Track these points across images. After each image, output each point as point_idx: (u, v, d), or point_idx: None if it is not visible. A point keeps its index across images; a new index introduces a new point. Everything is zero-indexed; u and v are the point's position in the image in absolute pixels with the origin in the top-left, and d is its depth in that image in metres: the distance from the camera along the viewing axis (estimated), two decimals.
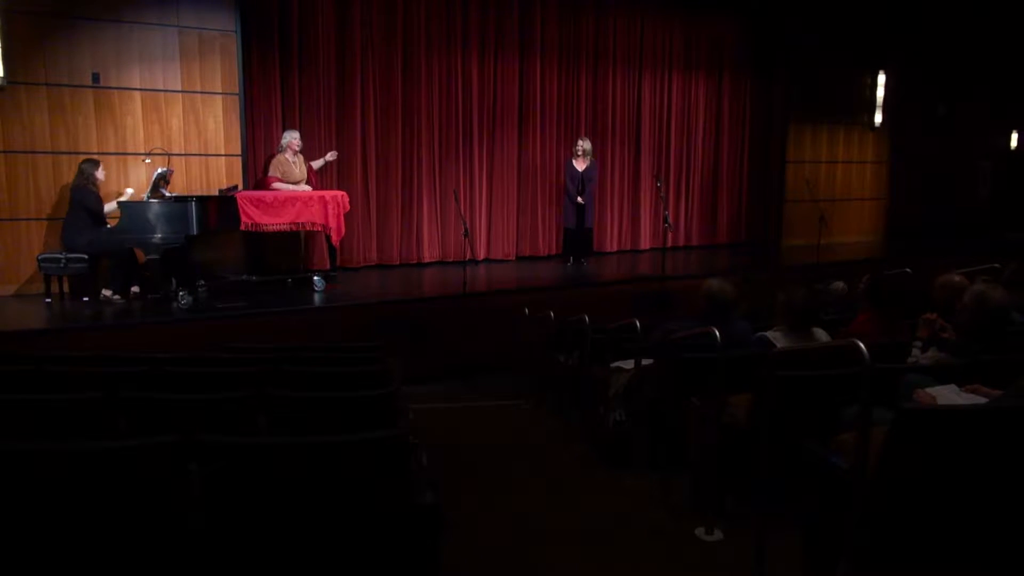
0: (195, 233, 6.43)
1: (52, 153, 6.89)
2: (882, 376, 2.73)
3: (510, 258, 9.70)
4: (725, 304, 3.94)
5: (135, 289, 6.77)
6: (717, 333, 3.32)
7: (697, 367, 3.63)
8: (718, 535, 3.19)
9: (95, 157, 6.83)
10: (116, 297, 6.64)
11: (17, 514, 2.01)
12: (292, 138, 7.61)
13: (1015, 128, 13.26)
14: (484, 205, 9.56)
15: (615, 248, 10.50)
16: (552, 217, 9.96)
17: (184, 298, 6.39)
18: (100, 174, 6.72)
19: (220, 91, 7.56)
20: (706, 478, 3.43)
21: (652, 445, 3.97)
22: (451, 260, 9.14)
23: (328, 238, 7.45)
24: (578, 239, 9.24)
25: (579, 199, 9.01)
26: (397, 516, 2.23)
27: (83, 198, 6.56)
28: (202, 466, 2.08)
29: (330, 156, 7.82)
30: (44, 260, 6.51)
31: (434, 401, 5.85)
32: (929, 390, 2.77)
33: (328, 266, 7.76)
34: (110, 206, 6.75)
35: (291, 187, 7.44)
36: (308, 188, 7.56)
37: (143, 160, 7.21)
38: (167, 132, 7.36)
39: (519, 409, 6.03)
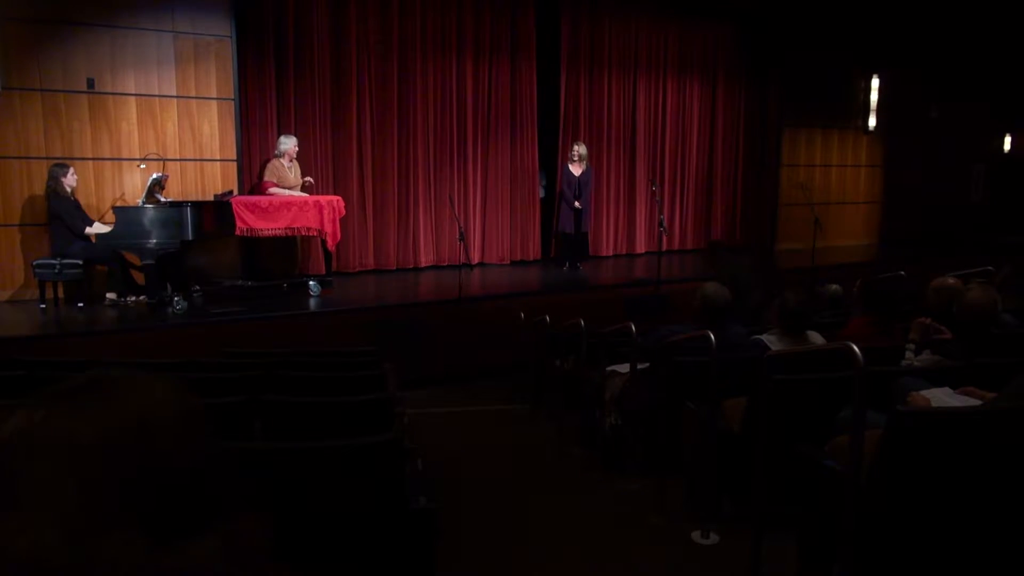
0: (190, 238, 6.41)
1: (47, 159, 6.86)
2: (876, 379, 2.74)
3: (505, 262, 9.71)
4: (720, 308, 3.95)
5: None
6: (712, 337, 3.33)
7: (692, 371, 3.63)
8: (714, 538, 3.20)
9: (66, 161, 6.72)
10: (131, 300, 6.61)
11: None
12: (290, 145, 7.60)
13: (1009, 131, 13.33)
14: (479, 209, 9.56)
15: (611, 252, 10.51)
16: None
17: (179, 303, 6.38)
18: (71, 178, 6.57)
19: (215, 96, 7.56)
20: (702, 481, 3.43)
21: (648, 449, 3.97)
22: (446, 264, 9.14)
23: (324, 243, 7.44)
24: (574, 243, 9.25)
25: (576, 204, 9.03)
26: (392, 521, 2.23)
27: (52, 206, 6.51)
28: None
29: (306, 181, 7.78)
30: (39, 266, 6.48)
31: (431, 405, 5.84)
32: (923, 392, 2.78)
33: (324, 271, 7.75)
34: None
35: (287, 192, 7.44)
36: (304, 193, 7.57)
37: (138, 165, 7.20)
38: (162, 137, 7.35)
39: (516, 413, 6.03)
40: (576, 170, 9.10)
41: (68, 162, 6.74)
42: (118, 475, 0.70)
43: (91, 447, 0.70)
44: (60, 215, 6.47)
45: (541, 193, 10.08)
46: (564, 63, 9.88)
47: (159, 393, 0.76)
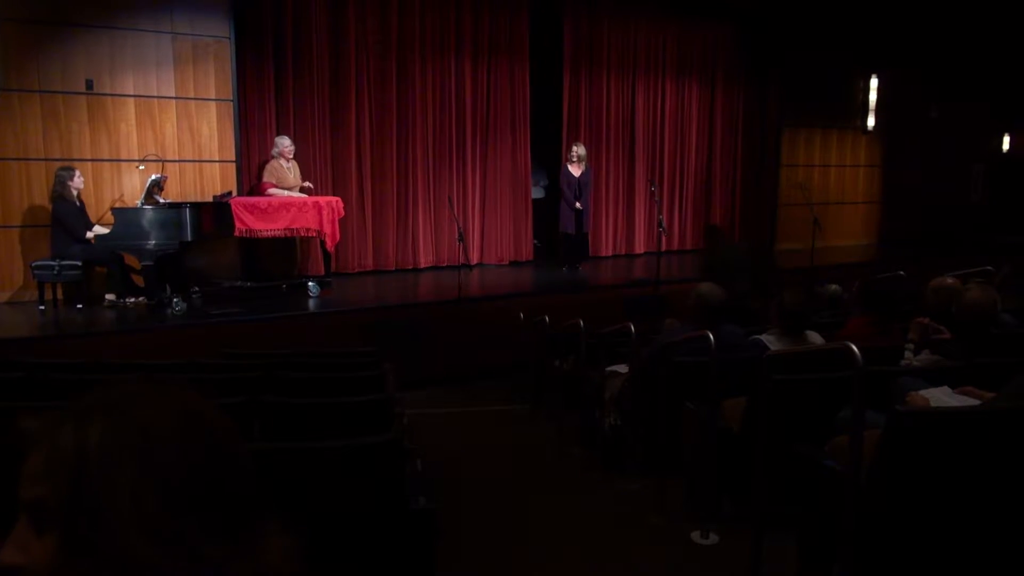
0: (189, 239, 6.41)
1: (46, 160, 6.87)
2: (875, 379, 2.74)
3: (503, 263, 9.70)
4: (715, 308, 3.95)
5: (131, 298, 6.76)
6: (712, 337, 3.33)
7: (691, 371, 3.63)
8: (714, 539, 3.20)
9: (71, 164, 6.71)
10: (130, 301, 6.62)
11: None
12: (284, 144, 7.60)
13: (1007, 131, 13.33)
14: (478, 210, 9.55)
15: (610, 252, 10.51)
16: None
17: (178, 304, 6.37)
18: (77, 181, 6.58)
19: (214, 97, 7.56)
20: (702, 482, 3.43)
21: (648, 449, 3.97)
22: (446, 265, 9.13)
23: (323, 244, 7.44)
24: (575, 244, 9.25)
25: (577, 204, 9.03)
26: (391, 521, 2.23)
27: (56, 209, 6.50)
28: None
29: (305, 185, 7.76)
30: (37, 267, 6.48)
31: (430, 406, 5.84)
32: (922, 392, 2.78)
33: (323, 272, 7.75)
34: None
35: (286, 193, 7.44)
36: (303, 194, 7.56)
37: (137, 167, 7.20)
38: (161, 138, 7.35)
39: (515, 413, 6.03)
40: (576, 171, 9.10)
41: (67, 163, 6.74)
42: (190, 477, 0.72)
43: (166, 449, 0.72)
44: (62, 219, 6.47)
45: (541, 194, 10.10)
46: (567, 65, 9.87)
47: (205, 400, 0.80)
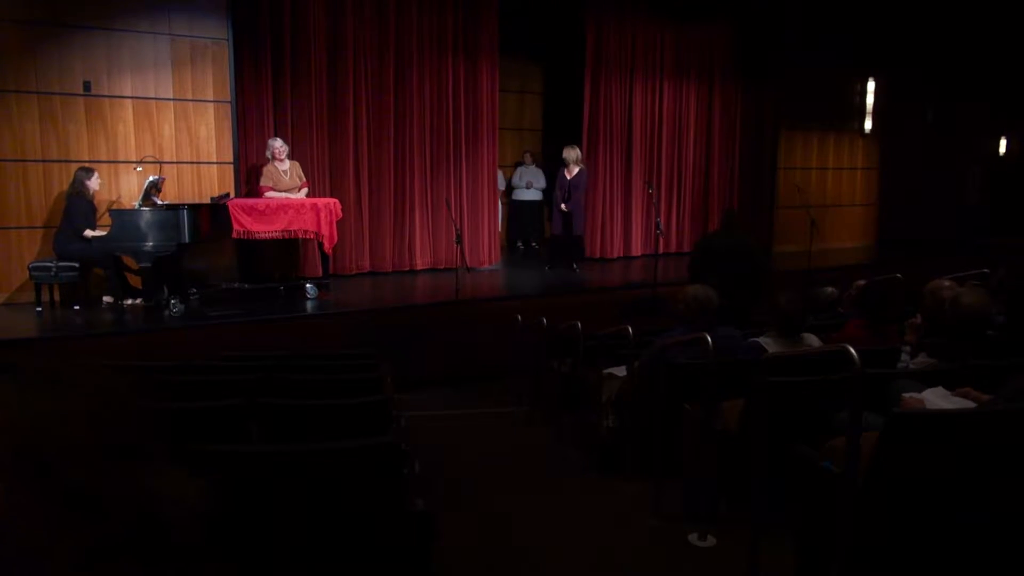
0: (187, 241, 6.41)
1: (43, 161, 6.87)
2: (872, 381, 2.74)
3: (484, 265, 9.67)
4: (708, 309, 3.95)
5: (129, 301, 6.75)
6: (709, 339, 3.33)
7: (689, 373, 3.63)
8: (711, 541, 3.20)
9: (88, 165, 6.77)
10: (128, 303, 6.61)
11: None
12: (275, 146, 7.56)
13: (1005, 133, 13.35)
14: (468, 211, 9.53)
15: (608, 254, 10.50)
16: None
17: (176, 306, 6.37)
18: (94, 183, 6.64)
19: (212, 99, 7.56)
20: (699, 483, 3.43)
21: (645, 451, 3.97)
22: (443, 267, 9.12)
23: (320, 245, 7.44)
24: (566, 246, 9.24)
25: (563, 206, 9.02)
26: (388, 523, 2.23)
27: (69, 204, 6.53)
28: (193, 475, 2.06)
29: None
30: (34, 268, 6.47)
31: (428, 408, 5.84)
32: (918, 394, 2.79)
33: (320, 273, 7.73)
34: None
35: (282, 195, 7.42)
36: (301, 196, 7.54)
37: (134, 168, 7.19)
38: (159, 140, 7.34)
39: (513, 415, 6.03)
40: (569, 173, 9.09)
41: (63, 164, 6.74)
42: (85, 431, 0.77)
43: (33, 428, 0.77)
44: (72, 212, 6.48)
45: (538, 195, 10.11)
46: (588, 68, 9.90)
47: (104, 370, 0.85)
